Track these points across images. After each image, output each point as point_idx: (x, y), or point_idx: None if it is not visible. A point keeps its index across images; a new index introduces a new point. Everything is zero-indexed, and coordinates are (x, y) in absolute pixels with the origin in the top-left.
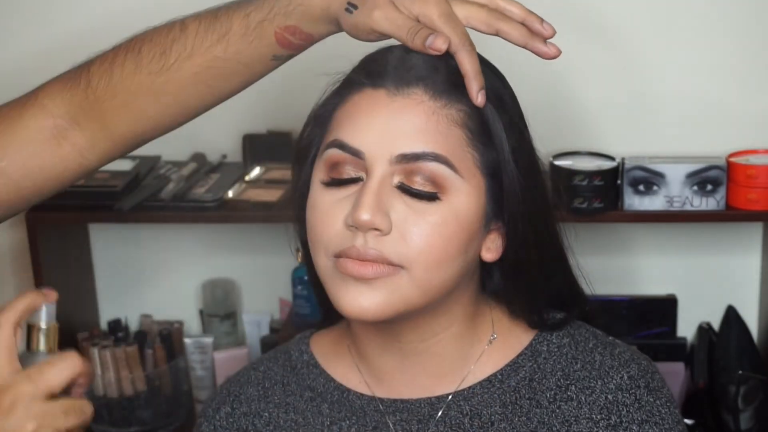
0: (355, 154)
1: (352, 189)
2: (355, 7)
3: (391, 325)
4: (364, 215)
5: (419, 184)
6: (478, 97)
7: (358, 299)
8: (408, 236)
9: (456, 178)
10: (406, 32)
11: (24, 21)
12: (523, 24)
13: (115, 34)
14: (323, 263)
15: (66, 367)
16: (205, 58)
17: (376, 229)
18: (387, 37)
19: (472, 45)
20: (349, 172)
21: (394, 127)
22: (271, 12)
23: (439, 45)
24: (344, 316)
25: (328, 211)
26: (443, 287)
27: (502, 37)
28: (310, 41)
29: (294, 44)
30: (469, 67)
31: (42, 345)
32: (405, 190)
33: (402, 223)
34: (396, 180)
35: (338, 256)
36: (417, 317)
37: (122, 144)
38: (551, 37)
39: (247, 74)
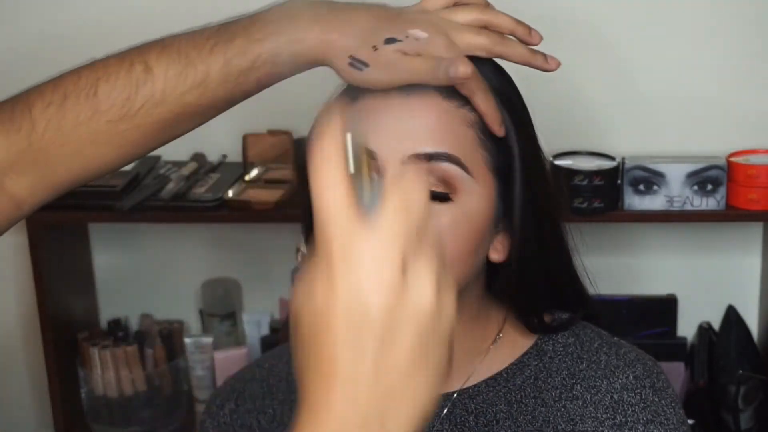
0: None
1: None
2: (366, 65)
3: None
4: None
5: (431, 184)
6: (502, 130)
7: None
8: None
9: (467, 179)
10: (427, 74)
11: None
12: (513, 35)
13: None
14: None
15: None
16: (177, 105)
17: None
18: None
19: (482, 82)
20: None
21: (406, 126)
22: (258, 59)
23: (464, 72)
24: None
25: None
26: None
27: (504, 59)
28: (279, 80)
29: (267, 85)
30: (484, 107)
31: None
32: None
33: None
34: None
35: None
36: None
37: (59, 192)
38: (538, 44)
39: (212, 116)
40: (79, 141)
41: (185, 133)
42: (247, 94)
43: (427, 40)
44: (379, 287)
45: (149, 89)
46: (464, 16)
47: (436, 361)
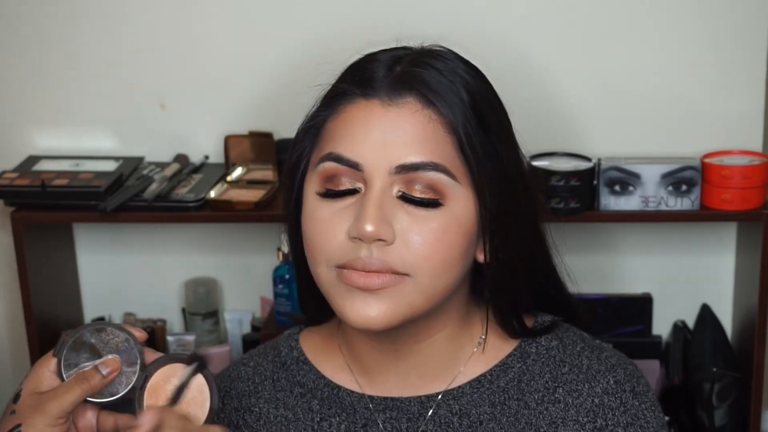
0: (353, 166)
1: (349, 200)
2: None
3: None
4: (369, 227)
5: (419, 192)
6: None
7: (366, 310)
8: (412, 244)
9: (454, 184)
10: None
11: None
12: None
13: None
14: (325, 273)
15: None
16: None
17: (380, 240)
18: None
19: None
20: (346, 183)
21: (390, 137)
22: None
23: None
24: (350, 327)
25: (328, 222)
26: (446, 291)
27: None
28: None
29: None
30: None
31: None
32: (407, 199)
33: (405, 231)
34: (396, 190)
35: (342, 267)
36: (415, 320)
37: None
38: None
39: None
40: None
41: None
42: None
43: None
44: None
45: None
46: None
47: None
